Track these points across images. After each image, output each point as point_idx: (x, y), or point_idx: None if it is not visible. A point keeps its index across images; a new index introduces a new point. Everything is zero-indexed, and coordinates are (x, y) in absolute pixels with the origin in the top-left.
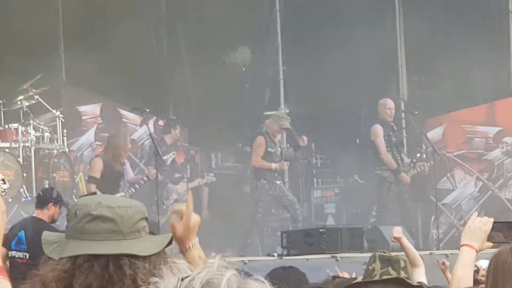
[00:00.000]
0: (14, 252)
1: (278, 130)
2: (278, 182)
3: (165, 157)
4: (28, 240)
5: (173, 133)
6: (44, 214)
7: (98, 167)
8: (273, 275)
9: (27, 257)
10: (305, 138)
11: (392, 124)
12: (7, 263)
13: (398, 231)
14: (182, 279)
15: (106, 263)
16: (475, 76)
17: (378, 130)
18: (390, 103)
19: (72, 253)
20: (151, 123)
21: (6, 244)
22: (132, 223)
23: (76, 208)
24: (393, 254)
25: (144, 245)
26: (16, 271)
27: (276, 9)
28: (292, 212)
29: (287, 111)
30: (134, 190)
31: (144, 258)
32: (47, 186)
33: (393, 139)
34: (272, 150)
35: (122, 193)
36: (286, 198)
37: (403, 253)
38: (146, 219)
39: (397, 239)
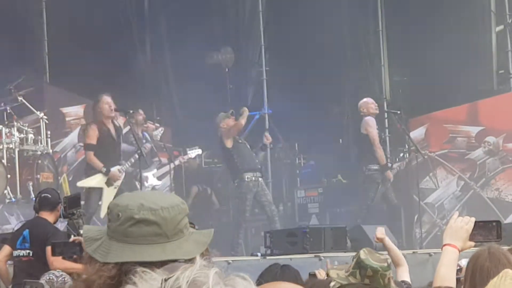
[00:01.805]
0: (19, 250)
1: (230, 121)
2: (260, 178)
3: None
4: (32, 239)
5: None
6: (52, 216)
7: (93, 133)
8: (272, 273)
9: (31, 254)
10: (268, 135)
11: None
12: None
13: (381, 232)
14: (166, 280)
15: (152, 268)
16: (457, 76)
17: (371, 121)
18: (369, 99)
19: (118, 259)
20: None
21: (12, 244)
22: (175, 224)
23: (118, 209)
24: (370, 258)
25: (188, 247)
26: (20, 269)
27: (259, 9)
28: (269, 213)
29: (270, 111)
30: (129, 164)
31: (189, 259)
32: (31, 187)
33: (383, 135)
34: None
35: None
36: (265, 197)
37: (385, 252)
38: (187, 214)
39: (380, 240)
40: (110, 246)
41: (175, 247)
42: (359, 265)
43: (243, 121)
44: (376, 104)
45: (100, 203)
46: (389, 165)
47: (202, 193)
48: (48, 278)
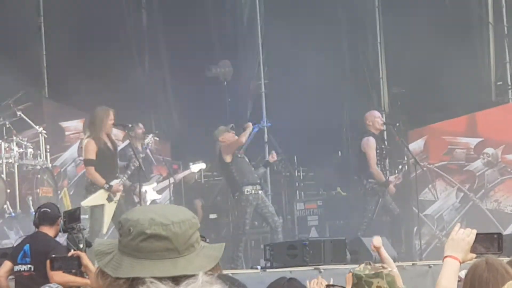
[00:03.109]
0: (20, 266)
1: (231, 135)
2: (260, 191)
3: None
4: (33, 253)
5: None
6: (53, 230)
7: (92, 147)
8: (278, 286)
9: (32, 269)
10: (274, 154)
11: (382, 136)
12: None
13: (377, 241)
14: None
15: (162, 281)
16: (456, 88)
17: (371, 142)
18: (377, 113)
19: (129, 274)
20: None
21: (13, 259)
22: (186, 239)
23: (129, 224)
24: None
25: (199, 262)
26: (21, 285)
27: (257, 23)
28: (271, 224)
29: (269, 124)
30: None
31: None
32: (30, 202)
33: (384, 152)
34: (240, 156)
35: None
36: (267, 209)
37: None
38: (198, 228)
39: (377, 248)
40: (122, 261)
41: (186, 262)
42: (350, 276)
43: (244, 138)
44: (383, 120)
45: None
46: (388, 180)
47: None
48: None
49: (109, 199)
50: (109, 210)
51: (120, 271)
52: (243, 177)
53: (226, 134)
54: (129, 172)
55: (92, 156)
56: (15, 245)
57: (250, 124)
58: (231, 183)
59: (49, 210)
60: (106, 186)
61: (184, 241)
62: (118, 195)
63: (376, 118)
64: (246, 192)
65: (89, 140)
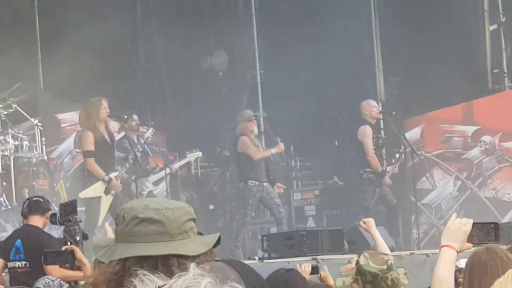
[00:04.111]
0: (13, 262)
1: (251, 124)
2: (265, 184)
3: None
4: (26, 249)
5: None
6: (41, 221)
7: (89, 139)
8: (279, 278)
9: (27, 265)
10: (282, 144)
11: (378, 125)
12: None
13: (368, 219)
14: (160, 287)
15: (155, 264)
16: (452, 76)
17: (368, 131)
18: (373, 102)
19: (121, 255)
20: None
21: (5, 255)
22: (180, 224)
23: (124, 212)
24: (371, 261)
25: (192, 245)
26: (16, 281)
27: (252, 12)
28: (277, 215)
29: (265, 114)
30: (125, 170)
31: (193, 258)
32: (27, 194)
33: (380, 141)
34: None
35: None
36: (272, 200)
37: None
38: (194, 220)
39: (367, 226)
40: (116, 248)
41: (178, 245)
42: (359, 271)
43: (259, 156)
44: (379, 109)
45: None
46: (385, 170)
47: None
48: (44, 282)
49: (107, 192)
50: (106, 202)
51: (113, 257)
52: (251, 171)
53: (247, 123)
54: (127, 166)
55: (91, 147)
56: (4, 240)
57: (281, 144)
58: (239, 172)
59: (41, 200)
60: (107, 178)
61: (177, 226)
62: (117, 190)
63: (372, 108)
64: (250, 183)
65: (86, 132)
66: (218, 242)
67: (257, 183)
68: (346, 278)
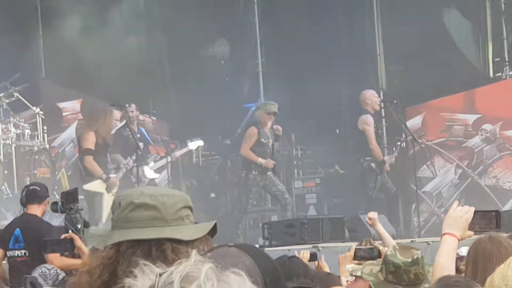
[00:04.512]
0: (13, 251)
1: (268, 118)
2: (269, 173)
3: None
4: (25, 237)
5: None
6: (39, 209)
7: (91, 138)
8: (281, 266)
9: (27, 254)
10: (279, 127)
11: (378, 115)
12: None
13: (372, 213)
14: (160, 275)
15: (149, 249)
16: (453, 64)
17: (370, 119)
18: (373, 92)
19: (116, 240)
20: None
21: (4, 245)
22: (175, 210)
23: (120, 198)
24: (399, 253)
25: (187, 231)
26: (16, 270)
27: (253, 1)
28: (282, 202)
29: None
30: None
31: (187, 243)
32: (28, 183)
33: (379, 131)
34: (265, 141)
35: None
36: (276, 187)
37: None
38: (191, 208)
39: (372, 222)
40: (112, 235)
41: (173, 230)
42: (384, 261)
43: (253, 158)
44: (380, 98)
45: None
46: (385, 159)
47: (191, 188)
48: (41, 271)
49: (108, 190)
50: (109, 199)
51: (108, 242)
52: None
53: (265, 115)
54: (131, 163)
55: (91, 146)
56: (2, 229)
57: (270, 162)
58: (243, 160)
59: (38, 188)
60: (104, 176)
61: (172, 211)
62: (116, 188)
63: (374, 98)
64: (254, 172)
65: (89, 131)
66: (215, 230)
67: (261, 171)
68: (374, 267)
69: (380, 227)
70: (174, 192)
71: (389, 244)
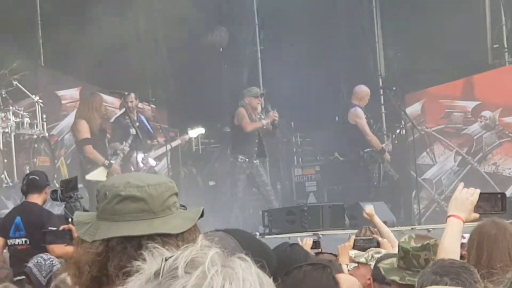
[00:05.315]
0: (13, 239)
1: (257, 101)
2: (255, 161)
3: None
4: (26, 226)
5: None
6: (40, 198)
7: (85, 127)
8: (282, 253)
9: (27, 242)
10: (275, 112)
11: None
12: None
13: (369, 208)
14: (166, 259)
15: (139, 244)
16: (452, 51)
17: (359, 111)
18: (365, 88)
19: (104, 235)
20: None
21: (5, 233)
22: (162, 200)
23: (105, 189)
24: (413, 241)
25: (176, 222)
26: (17, 258)
27: None
28: (264, 193)
29: (266, 90)
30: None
31: (176, 235)
32: (28, 171)
33: (371, 121)
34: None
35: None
36: (260, 178)
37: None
38: (176, 194)
39: (370, 216)
40: (98, 226)
41: (161, 223)
42: (398, 247)
43: (250, 128)
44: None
45: None
46: (385, 148)
47: (191, 176)
48: (36, 261)
49: (108, 177)
50: None
51: (96, 235)
52: (241, 145)
53: (253, 99)
54: (129, 142)
55: (87, 135)
56: (3, 217)
57: (273, 115)
58: (231, 146)
59: (37, 178)
60: (107, 162)
61: (160, 203)
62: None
63: (368, 94)
64: (239, 160)
65: (80, 120)
66: (201, 216)
67: (247, 159)
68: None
69: (378, 221)
70: (160, 180)
71: (387, 237)
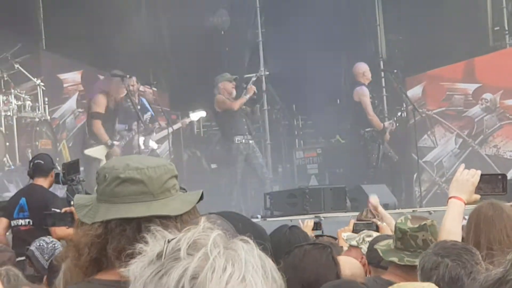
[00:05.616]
0: (17, 220)
1: (231, 86)
2: (250, 141)
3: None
4: (30, 207)
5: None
6: (46, 182)
7: (102, 101)
8: (281, 235)
9: (31, 223)
10: (253, 86)
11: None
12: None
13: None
14: (169, 241)
15: (138, 226)
16: (453, 34)
17: (365, 90)
18: (365, 65)
19: (103, 217)
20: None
21: (9, 214)
22: (162, 183)
23: (105, 171)
24: (410, 222)
25: (175, 205)
26: (19, 239)
27: None
28: (260, 176)
29: (267, 73)
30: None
31: (175, 217)
32: (30, 154)
33: (376, 101)
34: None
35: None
36: (257, 160)
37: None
38: (176, 177)
39: (374, 208)
40: (98, 208)
41: (160, 205)
42: (394, 228)
43: (237, 105)
44: (368, 70)
45: None
46: (386, 128)
47: (193, 157)
48: (38, 244)
49: (107, 157)
50: None
51: (96, 217)
52: (233, 127)
53: (227, 83)
54: (132, 133)
55: (102, 110)
56: (9, 199)
57: (252, 88)
58: (223, 132)
59: (42, 162)
60: (109, 142)
61: (159, 185)
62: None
63: (368, 70)
64: (236, 141)
65: (101, 95)
66: (201, 198)
67: (243, 140)
68: (391, 240)
69: (382, 211)
70: (159, 163)
71: (392, 226)
